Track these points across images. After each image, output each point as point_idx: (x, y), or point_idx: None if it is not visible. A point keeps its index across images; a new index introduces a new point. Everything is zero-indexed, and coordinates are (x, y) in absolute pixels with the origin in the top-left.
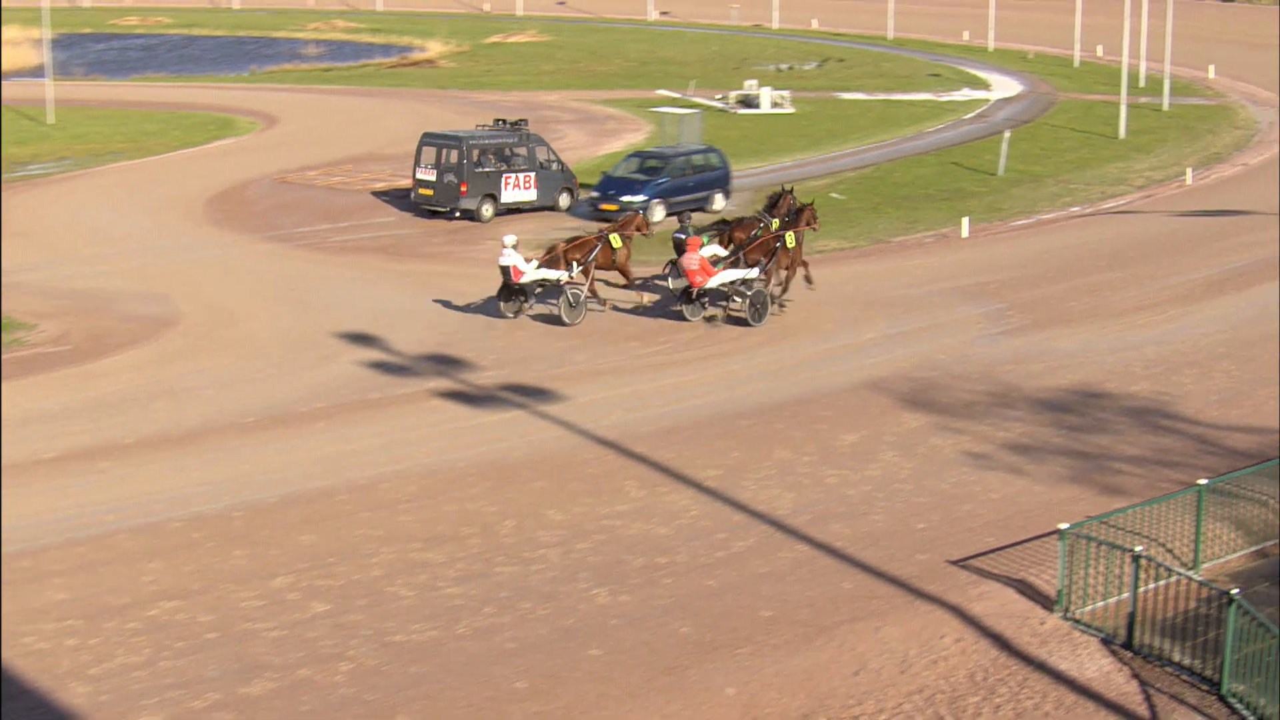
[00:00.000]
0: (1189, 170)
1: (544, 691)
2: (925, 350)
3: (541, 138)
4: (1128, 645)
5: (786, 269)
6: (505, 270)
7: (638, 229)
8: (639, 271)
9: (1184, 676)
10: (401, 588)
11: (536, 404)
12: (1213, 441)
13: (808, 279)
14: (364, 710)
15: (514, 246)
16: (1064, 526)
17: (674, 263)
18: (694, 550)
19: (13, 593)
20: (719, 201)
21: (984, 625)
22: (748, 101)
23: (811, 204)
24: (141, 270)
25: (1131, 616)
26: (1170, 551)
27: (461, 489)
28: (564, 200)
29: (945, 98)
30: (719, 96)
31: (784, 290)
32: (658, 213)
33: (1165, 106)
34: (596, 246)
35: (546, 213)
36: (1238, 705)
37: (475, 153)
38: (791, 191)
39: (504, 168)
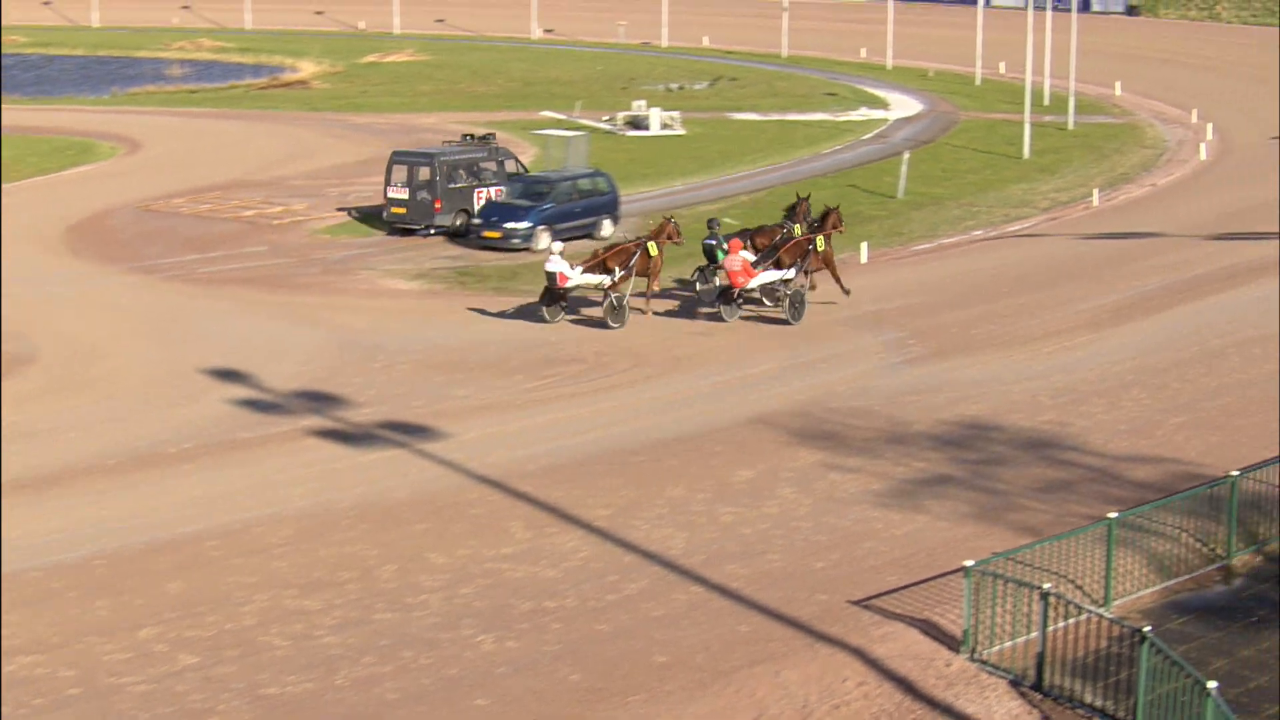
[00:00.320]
0: (1095, 191)
1: None
2: (823, 381)
3: (509, 151)
4: (1037, 687)
5: (817, 271)
6: (551, 275)
7: (669, 237)
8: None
9: (1096, 718)
10: (276, 637)
11: (417, 442)
12: (1122, 473)
13: (842, 288)
14: None
15: (559, 253)
16: (969, 564)
17: (702, 269)
18: (584, 593)
19: None
20: (607, 228)
21: (887, 668)
22: (636, 123)
23: (837, 207)
24: None
25: (1041, 656)
26: (1080, 588)
27: (339, 532)
28: None
29: (842, 117)
30: (606, 118)
31: (812, 289)
32: (542, 240)
33: (1070, 125)
34: (635, 253)
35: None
36: None
37: (447, 169)
38: (808, 198)
39: (475, 182)
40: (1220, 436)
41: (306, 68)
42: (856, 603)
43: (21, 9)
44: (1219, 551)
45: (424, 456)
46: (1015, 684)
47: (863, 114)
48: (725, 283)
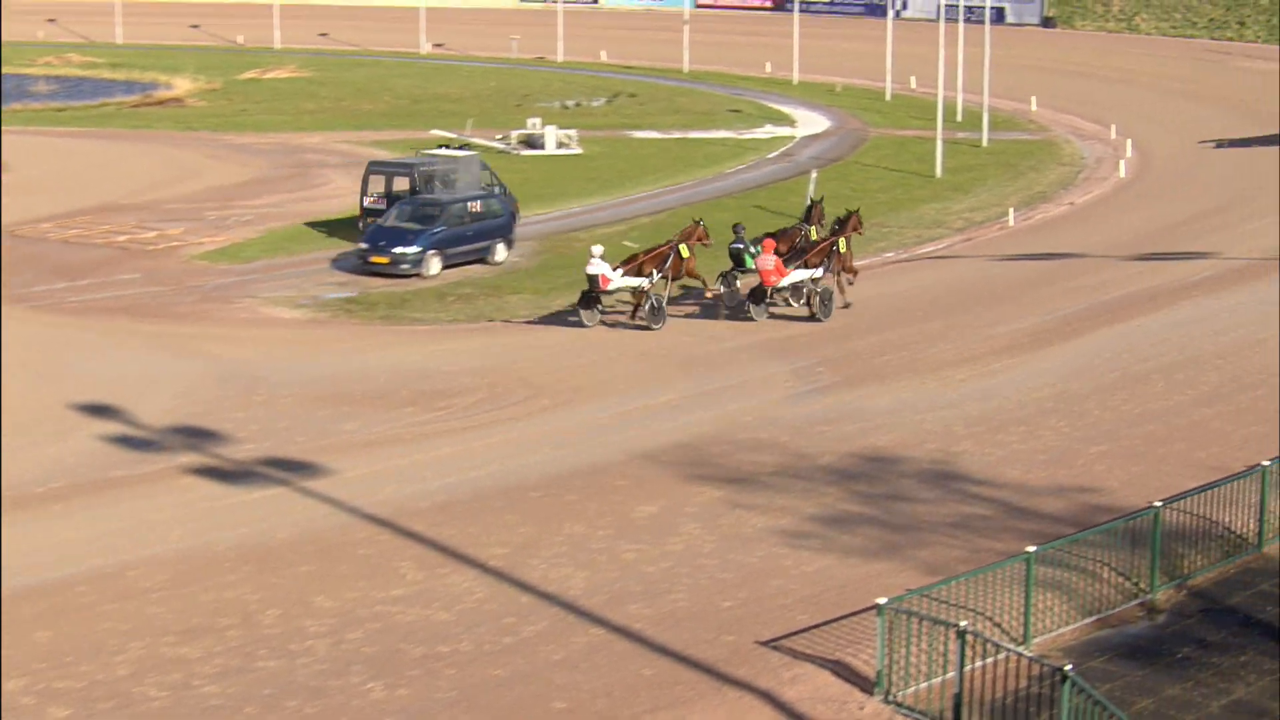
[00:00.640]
0: (1011, 211)
1: None
2: (729, 412)
3: (484, 161)
4: None
5: (842, 271)
6: (593, 279)
7: (699, 239)
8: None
9: None
10: (151, 687)
11: (301, 479)
12: (1040, 506)
13: (849, 281)
14: None
15: (600, 256)
16: (882, 601)
17: (726, 275)
18: (478, 637)
19: None
20: (501, 252)
21: (798, 712)
22: (531, 142)
23: (858, 210)
24: None
25: (958, 698)
26: (998, 626)
27: (219, 575)
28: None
29: (747, 135)
30: (499, 136)
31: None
32: (433, 265)
33: (985, 142)
34: (669, 256)
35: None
36: None
37: (426, 179)
38: (822, 200)
39: (450, 193)
40: (1143, 466)
41: (182, 84)
42: (765, 643)
43: None
44: (1142, 586)
45: (309, 494)
46: None
47: (768, 131)
48: (757, 282)
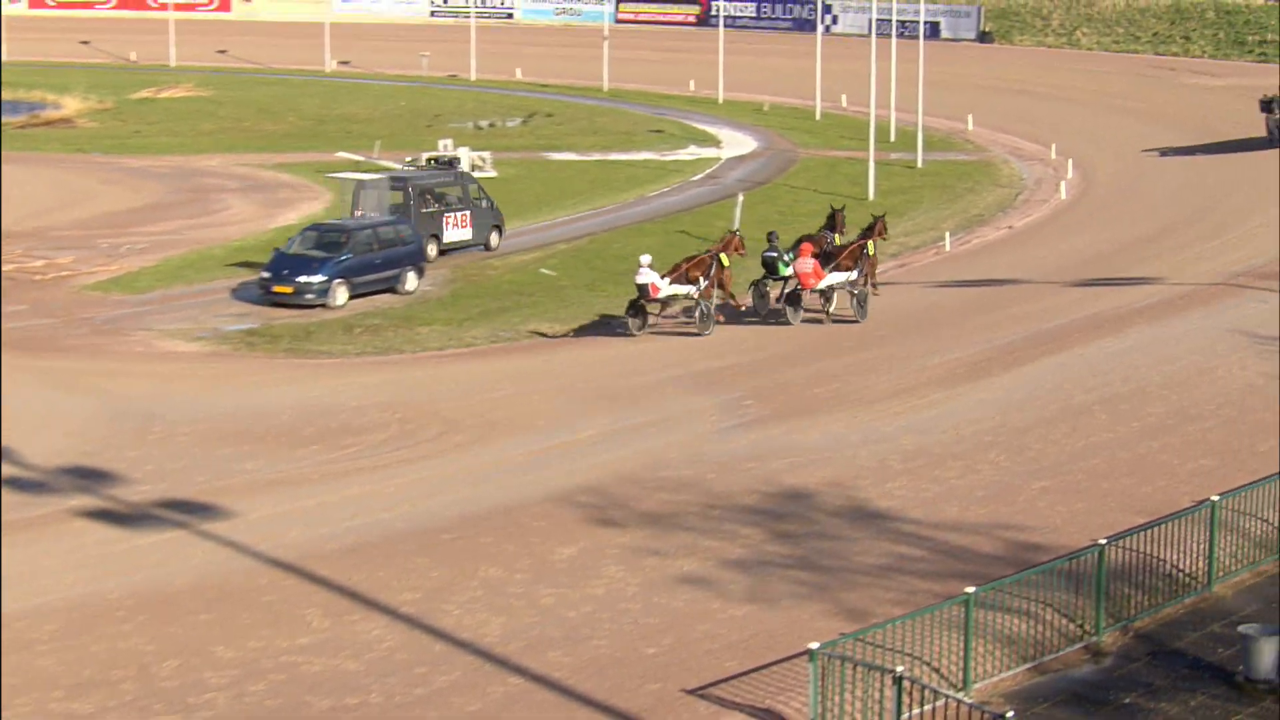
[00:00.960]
0: (947, 235)
1: None
2: (652, 448)
3: (471, 175)
4: None
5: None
6: (643, 288)
7: (736, 249)
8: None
9: None
10: None
11: (200, 521)
12: (979, 545)
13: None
14: None
15: (649, 265)
16: (814, 646)
17: (757, 283)
18: (389, 688)
19: None
20: (411, 281)
21: None
22: (443, 164)
23: (884, 215)
24: None
25: None
26: (937, 671)
27: (112, 625)
28: (494, 239)
29: (670, 157)
30: (409, 159)
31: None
32: (340, 295)
33: (919, 163)
34: (712, 264)
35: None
36: None
37: (420, 194)
38: (843, 209)
39: (442, 208)
40: (1086, 502)
41: (71, 104)
42: (692, 691)
43: None
44: (1086, 629)
45: (208, 538)
46: None
47: (692, 153)
48: (795, 286)
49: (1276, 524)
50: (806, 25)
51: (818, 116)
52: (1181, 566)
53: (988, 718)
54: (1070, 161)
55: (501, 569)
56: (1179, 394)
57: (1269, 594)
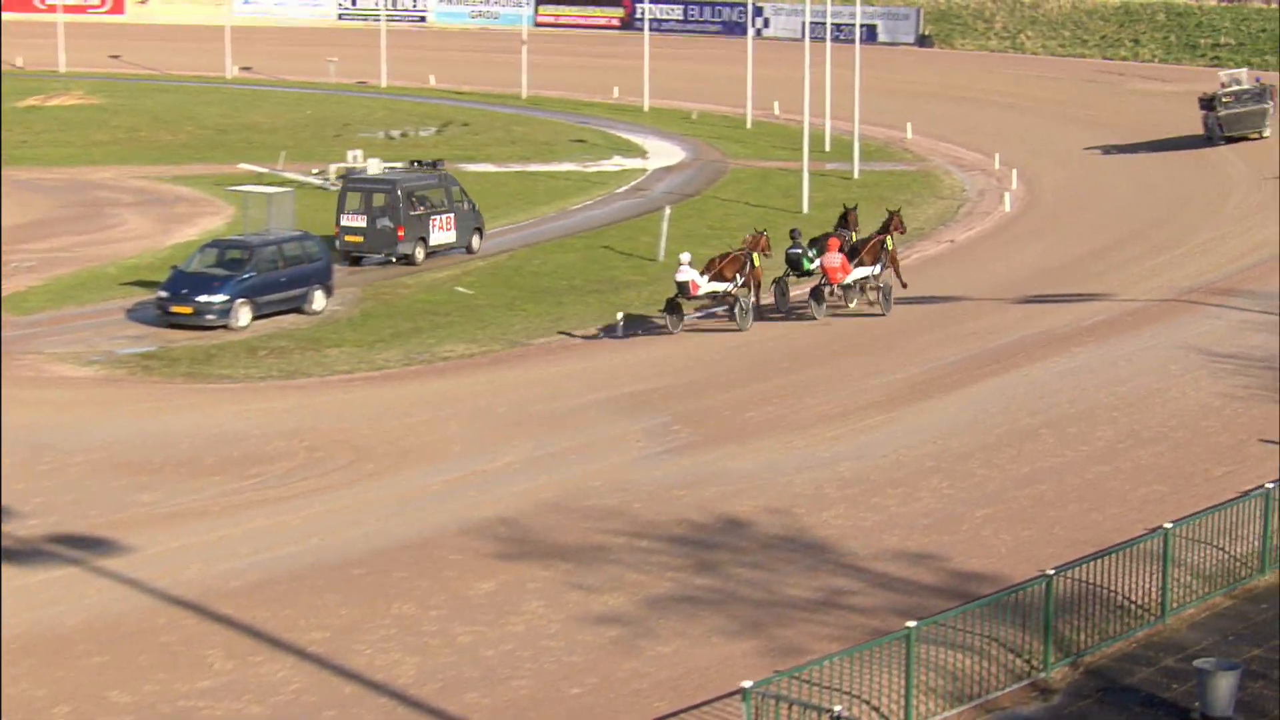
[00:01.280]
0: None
1: None
2: (575, 476)
3: (454, 178)
4: None
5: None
6: (683, 285)
7: (763, 249)
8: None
9: None
10: None
11: (94, 558)
12: (921, 576)
13: (902, 281)
14: None
15: (688, 263)
16: (748, 685)
17: (779, 280)
18: None
19: None
20: (319, 300)
21: None
22: (425, 165)
23: (899, 210)
24: None
25: None
26: (876, 710)
27: None
28: (475, 241)
29: (593, 168)
30: (316, 171)
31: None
32: (243, 316)
33: (856, 174)
34: (745, 262)
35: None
36: None
37: (408, 195)
38: (855, 208)
39: (428, 210)
40: (1033, 530)
41: None
42: None
43: None
44: (1034, 664)
45: (102, 575)
46: None
47: (616, 163)
48: (822, 281)
49: (1233, 553)
50: (736, 29)
51: (748, 125)
52: (1133, 598)
53: None
54: (1014, 172)
55: (415, 606)
56: (1130, 416)
57: (1226, 626)
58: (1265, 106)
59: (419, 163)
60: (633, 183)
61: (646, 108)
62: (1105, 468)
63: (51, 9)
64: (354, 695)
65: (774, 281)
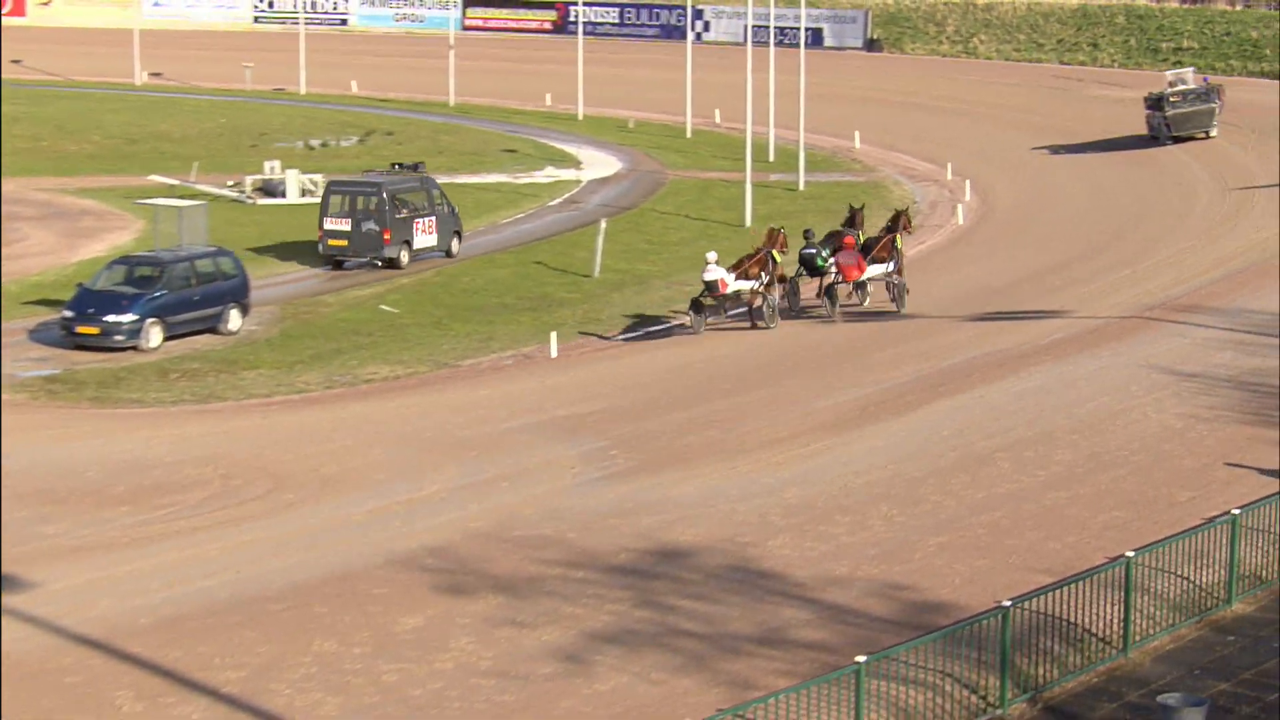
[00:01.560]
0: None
1: None
2: (506, 504)
3: (434, 180)
4: None
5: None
6: (712, 284)
7: (780, 247)
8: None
9: None
10: None
11: None
12: (870, 608)
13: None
14: None
15: (716, 262)
16: None
17: (791, 280)
18: None
19: None
20: (235, 319)
21: None
22: (269, 189)
23: (907, 209)
24: None
25: None
26: None
27: None
28: (455, 245)
29: (524, 179)
30: (231, 183)
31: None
32: (153, 336)
33: (801, 185)
34: (768, 261)
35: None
36: None
37: (393, 198)
38: (862, 208)
39: (411, 213)
40: (989, 560)
41: None
42: None
43: None
44: (990, 700)
45: (3, 612)
46: None
47: (549, 175)
48: (836, 279)
49: (1199, 582)
50: (675, 33)
51: (688, 134)
52: (1095, 630)
53: None
54: (968, 182)
55: (338, 642)
56: (1089, 439)
57: (1192, 659)
58: (1212, 106)
59: (400, 165)
60: (566, 195)
61: (581, 116)
62: (1064, 493)
63: None
64: None
65: (788, 281)
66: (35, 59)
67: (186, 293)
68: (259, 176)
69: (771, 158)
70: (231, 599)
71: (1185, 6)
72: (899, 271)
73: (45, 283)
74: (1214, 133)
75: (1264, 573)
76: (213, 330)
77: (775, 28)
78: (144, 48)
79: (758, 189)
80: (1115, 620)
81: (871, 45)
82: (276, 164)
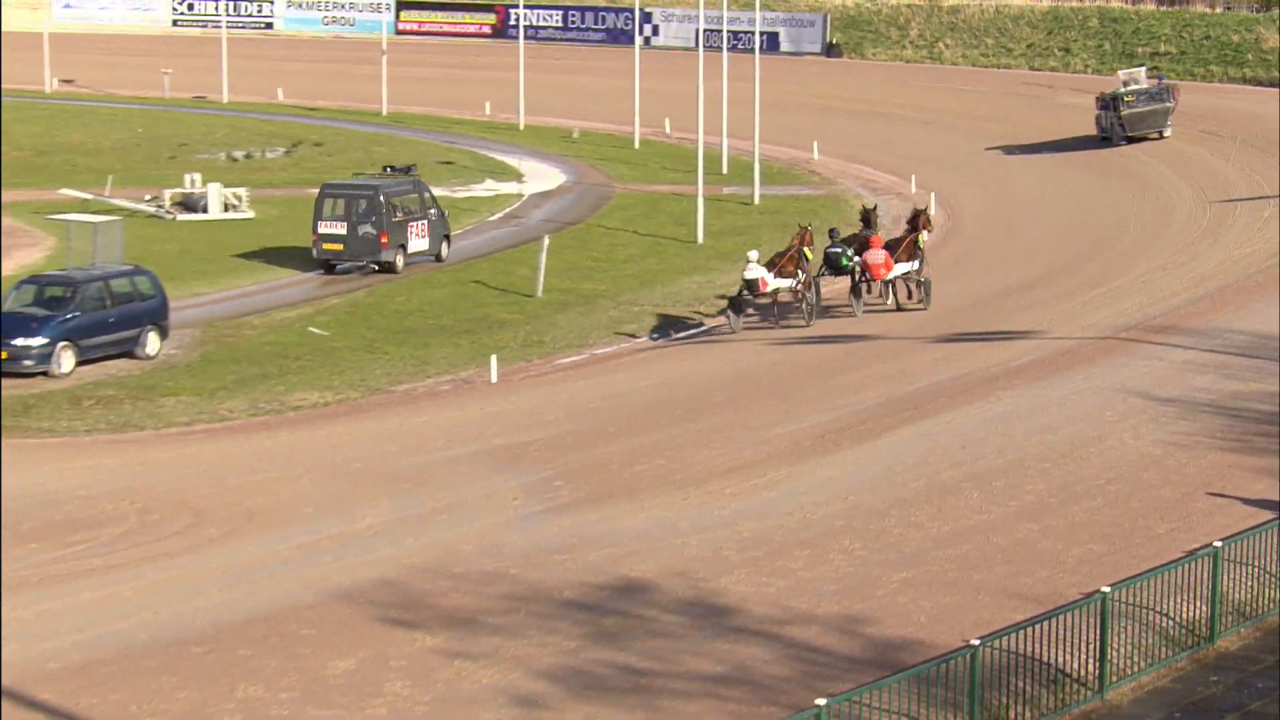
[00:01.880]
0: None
1: None
2: (443, 539)
3: (425, 184)
4: None
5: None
6: (752, 283)
7: (807, 244)
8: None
9: None
10: None
11: None
12: (832, 646)
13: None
14: None
15: (756, 260)
16: None
17: (813, 279)
18: None
19: None
20: (153, 343)
21: None
22: (189, 203)
23: (926, 208)
24: None
25: None
26: None
27: None
28: (444, 249)
29: (462, 193)
30: (148, 197)
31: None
32: (65, 361)
33: (756, 199)
34: (800, 259)
35: None
36: None
37: (389, 201)
38: (876, 208)
39: (406, 217)
40: (956, 596)
41: None
42: None
43: None
44: None
45: None
46: None
47: (488, 188)
48: (863, 277)
49: (1179, 619)
50: (622, 37)
51: (636, 145)
52: (1069, 670)
53: None
54: (933, 195)
55: (264, 687)
56: (1062, 468)
57: (1173, 700)
58: (1167, 106)
59: (392, 168)
60: (507, 209)
61: (522, 125)
62: (1035, 525)
63: None
64: None
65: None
66: None
67: (101, 314)
68: (179, 190)
69: (725, 170)
70: (149, 641)
71: (1162, 9)
72: (922, 269)
73: None
74: (1168, 133)
75: (1248, 608)
76: (129, 354)
77: (729, 32)
78: (54, 52)
79: (710, 203)
80: (1091, 659)
81: (830, 50)
82: (197, 177)
